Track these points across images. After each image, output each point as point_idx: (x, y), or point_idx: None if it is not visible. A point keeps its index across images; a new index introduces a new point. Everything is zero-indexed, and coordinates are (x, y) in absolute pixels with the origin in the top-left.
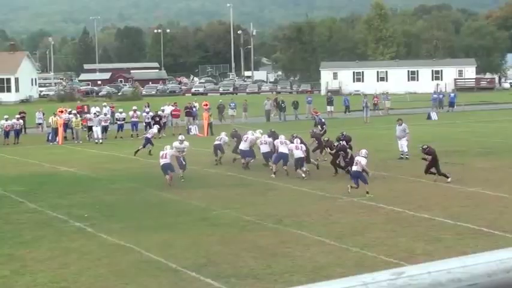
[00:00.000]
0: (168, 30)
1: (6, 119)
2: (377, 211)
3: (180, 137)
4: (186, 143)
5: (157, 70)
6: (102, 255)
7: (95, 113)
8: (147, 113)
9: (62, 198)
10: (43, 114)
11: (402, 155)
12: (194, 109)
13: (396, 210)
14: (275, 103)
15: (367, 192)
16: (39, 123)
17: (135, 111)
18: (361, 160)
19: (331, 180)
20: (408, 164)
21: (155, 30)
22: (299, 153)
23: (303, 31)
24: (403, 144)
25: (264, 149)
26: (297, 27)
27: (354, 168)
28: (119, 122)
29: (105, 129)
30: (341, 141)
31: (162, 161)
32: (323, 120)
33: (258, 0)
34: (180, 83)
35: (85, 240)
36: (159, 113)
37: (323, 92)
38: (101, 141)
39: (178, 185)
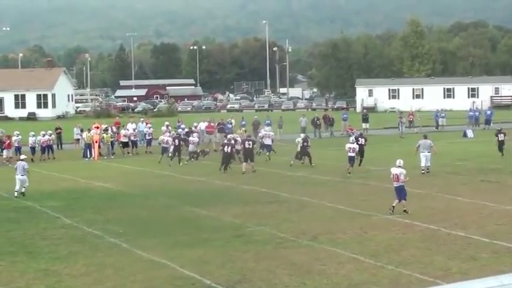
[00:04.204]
0: (203, 47)
1: (44, 135)
2: (412, 229)
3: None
4: None
5: (192, 86)
6: (137, 271)
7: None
8: (183, 129)
9: (97, 214)
10: (81, 130)
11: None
12: (230, 125)
13: (432, 228)
14: (323, 120)
15: None
16: (77, 139)
17: (167, 126)
18: None
19: (366, 197)
20: (443, 182)
21: (191, 47)
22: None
23: (338, 48)
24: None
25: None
26: (333, 43)
27: None
28: (147, 137)
29: (134, 144)
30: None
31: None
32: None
33: (294, 17)
34: (215, 99)
35: (120, 256)
36: (192, 128)
37: (358, 109)
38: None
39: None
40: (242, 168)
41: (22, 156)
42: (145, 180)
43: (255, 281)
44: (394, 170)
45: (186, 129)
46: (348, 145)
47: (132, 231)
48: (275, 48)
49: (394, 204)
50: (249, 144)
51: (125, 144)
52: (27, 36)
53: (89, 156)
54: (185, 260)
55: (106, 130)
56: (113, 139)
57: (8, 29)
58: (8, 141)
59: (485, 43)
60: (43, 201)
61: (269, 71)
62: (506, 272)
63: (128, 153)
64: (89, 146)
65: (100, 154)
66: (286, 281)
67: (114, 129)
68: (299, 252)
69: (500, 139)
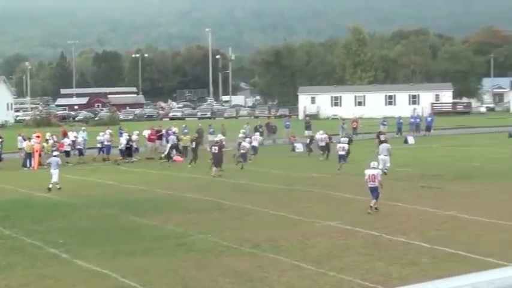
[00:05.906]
0: (146, 55)
1: None
2: (354, 235)
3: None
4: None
5: (135, 95)
6: (78, 282)
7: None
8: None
9: (37, 224)
10: (24, 139)
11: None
12: (172, 136)
13: (373, 234)
14: (265, 127)
15: None
16: (21, 148)
17: (111, 134)
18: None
19: (309, 204)
20: (385, 188)
21: (133, 55)
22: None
23: (281, 55)
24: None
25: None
26: (276, 51)
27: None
28: (98, 146)
29: (80, 152)
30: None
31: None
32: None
33: (237, 25)
34: (160, 107)
35: (60, 267)
36: (133, 137)
37: (301, 116)
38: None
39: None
40: (211, 173)
41: (55, 153)
42: (87, 190)
43: None
44: (370, 171)
45: (127, 137)
46: (338, 144)
47: (72, 241)
48: (218, 56)
49: (371, 204)
50: (215, 149)
51: (67, 154)
52: None
53: (28, 165)
54: (127, 269)
55: (47, 140)
56: (54, 148)
57: None
58: None
59: (426, 51)
60: None
61: (212, 78)
62: (445, 277)
63: (67, 163)
64: (29, 156)
65: (40, 164)
66: None
67: (55, 138)
68: (241, 260)
69: (382, 139)
